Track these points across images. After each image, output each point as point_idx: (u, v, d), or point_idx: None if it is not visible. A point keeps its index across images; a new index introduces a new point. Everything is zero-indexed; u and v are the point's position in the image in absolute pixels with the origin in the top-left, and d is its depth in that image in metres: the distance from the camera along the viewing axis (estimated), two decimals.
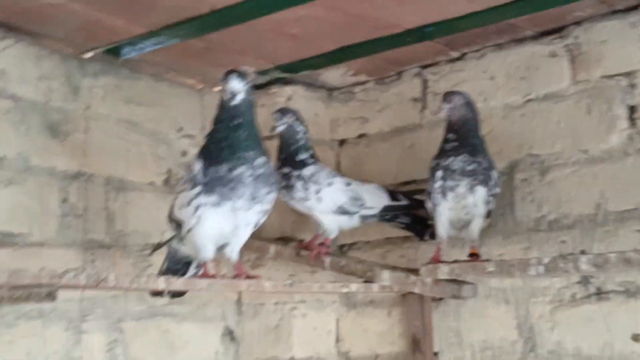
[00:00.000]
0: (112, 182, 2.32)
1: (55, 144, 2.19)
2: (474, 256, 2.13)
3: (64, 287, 1.52)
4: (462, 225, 2.15)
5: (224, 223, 1.78)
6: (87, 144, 2.26)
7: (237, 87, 1.81)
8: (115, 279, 1.56)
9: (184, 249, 1.94)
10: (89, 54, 2.29)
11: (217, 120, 1.83)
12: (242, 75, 1.82)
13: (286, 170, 2.25)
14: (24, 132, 2.12)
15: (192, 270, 2.02)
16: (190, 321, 2.47)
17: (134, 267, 2.32)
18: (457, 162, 2.08)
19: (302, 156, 2.27)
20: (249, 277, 1.84)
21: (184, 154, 2.53)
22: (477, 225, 2.13)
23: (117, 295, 2.26)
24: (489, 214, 2.15)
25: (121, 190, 2.34)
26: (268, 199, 1.82)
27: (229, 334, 2.61)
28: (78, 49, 2.26)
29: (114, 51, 2.27)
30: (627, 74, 2.12)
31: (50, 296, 1.46)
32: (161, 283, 1.65)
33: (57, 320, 2.11)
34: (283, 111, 2.29)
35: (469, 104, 2.12)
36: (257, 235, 2.59)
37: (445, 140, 2.13)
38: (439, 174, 2.09)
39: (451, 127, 2.12)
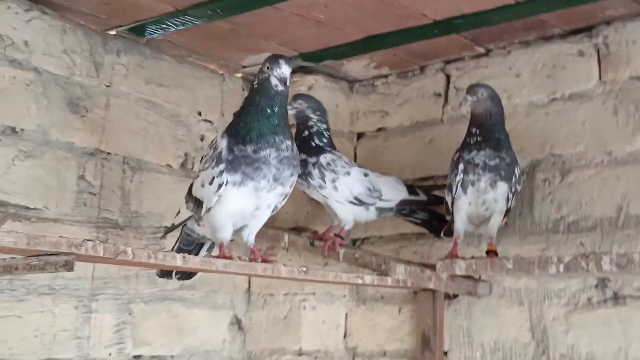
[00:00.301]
0: (129, 161, 2.30)
1: (75, 119, 2.17)
2: (491, 253, 2.10)
3: (82, 259, 1.50)
4: (480, 220, 2.13)
5: (246, 203, 1.77)
6: (106, 121, 2.24)
7: (287, 74, 1.78)
8: (133, 253, 1.54)
9: (200, 230, 1.92)
10: (114, 31, 2.28)
11: (252, 102, 1.79)
12: (290, 62, 1.80)
13: (302, 157, 2.23)
14: (45, 105, 2.10)
15: (203, 253, 2.01)
16: (199, 307, 2.45)
17: (146, 249, 2.29)
18: (479, 156, 2.05)
19: (317, 142, 2.25)
20: (265, 261, 1.81)
21: (202, 138, 2.51)
22: (496, 221, 2.10)
23: (128, 276, 2.25)
24: (508, 211, 2.13)
25: (137, 170, 2.32)
26: (290, 181, 1.81)
27: (237, 323, 2.59)
28: (103, 25, 2.25)
29: (138, 29, 2.26)
30: None
31: (68, 265, 1.44)
32: (179, 260, 1.62)
33: (67, 298, 2.09)
34: (295, 97, 2.29)
35: (494, 98, 2.09)
36: (271, 225, 2.58)
37: (469, 134, 2.10)
38: (461, 167, 2.07)
39: (475, 120, 2.10)
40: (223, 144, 1.76)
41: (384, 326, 2.50)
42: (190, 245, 2.00)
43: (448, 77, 2.52)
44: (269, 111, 1.76)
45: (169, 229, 2.07)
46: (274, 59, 1.79)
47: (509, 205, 2.10)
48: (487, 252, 2.11)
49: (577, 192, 2.18)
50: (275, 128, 1.76)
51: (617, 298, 2.07)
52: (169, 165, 2.41)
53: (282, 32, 2.30)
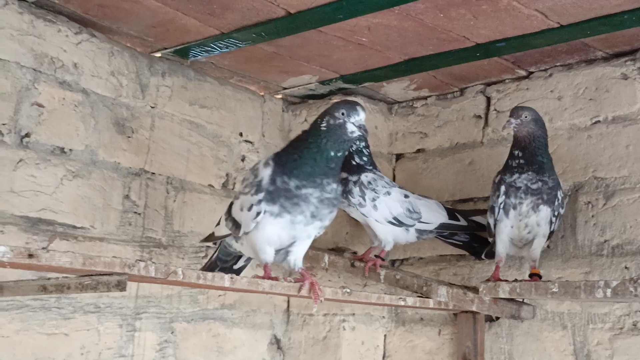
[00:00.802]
0: (172, 181, 2.33)
1: (121, 139, 2.21)
2: (534, 276, 2.08)
3: (133, 279, 1.52)
4: (523, 243, 2.11)
5: (282, 233, 1.78)
6: (151, 142, 2.28)
7: (364, 121, 1.79)
8: (183, 273, 1.56)
9: (238, 247, 1.93)
10: (159, 53, 2.32)
11: (315, 142, 1.77)
12: (363, 109, 1.81)
13: (343, 175, 2.25)
14: (93, 126, 2.15)
15: (241, 262, 2.04)
16: (239, 327, 2.47)
17: (193, 269, 2.30)
18: (521, 179, 2.04)
19: (358, 161, 2.27)
20: (313, 283, 1.81)
21: (242, 158, 2.54)
22: (539, 244, 2.09)
23: (171, 295, 2.27)
24: (551, 234, 2.11)
25: (180, 190, 2.35)
26: (329, 217, 1.82)
27: (276, 343, 2.59)
28: (149, 47, 2.29)
29: (183, 52, 2.30)
30: None
31: (120, 285, 1.46)
32: (227, 281, 1.64)
33: (112, 316, 2.12)
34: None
35: (538, 121, 2.08)
36: (311, 245, 2.59)
37: (511, 156, 2.09)
38: (502, 189, 2.06)
39: (518, 143, 2.09)
40: (267, 172, 1.76)
41: (423, 348, 2.49)
42: (229, 256, 2.02)
43: (488, 99, 2.52)
44: (332, 154, 1.76)
45: (208, 239, 2.08)
46: (352, 107, 1.78)
47: (552, 228, 2.09)
48: (531, 275, 2.10)
49: (621, 216, 2.16)
50: (328, 171, 1.76)
51: None
52: (210, 186, 2.44)
53: (323, 55, 2.32)
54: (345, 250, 2.49)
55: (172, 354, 2.25)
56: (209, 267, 2.04)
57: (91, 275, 1.49)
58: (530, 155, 2.06)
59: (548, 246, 2.26)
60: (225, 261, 2.02)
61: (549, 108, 2.36)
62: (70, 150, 2.08)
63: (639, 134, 2.17)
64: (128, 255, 2.15)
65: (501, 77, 2.46)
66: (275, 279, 1.77)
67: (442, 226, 2.31)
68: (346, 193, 2.23)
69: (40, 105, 2.03)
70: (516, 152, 2.08)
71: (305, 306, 2.58)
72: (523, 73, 2.42)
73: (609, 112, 2.25)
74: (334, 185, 1.78)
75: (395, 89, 2.61)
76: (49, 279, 1.58)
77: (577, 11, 1.94)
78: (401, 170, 2.71)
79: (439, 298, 2.15)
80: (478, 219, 2.34)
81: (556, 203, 2.05)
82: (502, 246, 2.11)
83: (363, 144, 2.29)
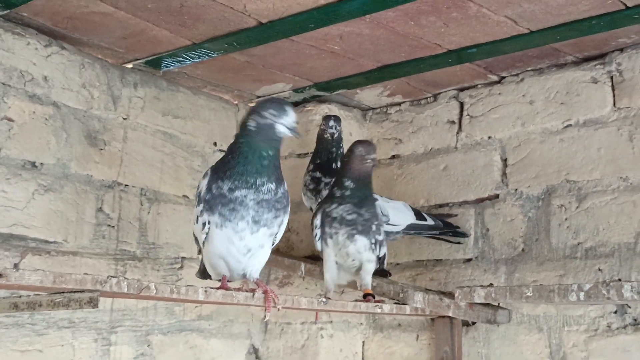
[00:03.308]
0: (146, 193, 2.32)
1: (94, 152, 2.19)
2: (368, 296, 2.08)
3: (106, 295, 1.51)
4: (353, 270, 2.10)
5: (230, 246, 1.71)
6: (123, 154, 2.27)
7: (295, 122, 1.73)
8: (156, 288, 1.54)
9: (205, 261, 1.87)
10: (130, 64, 2.30)
11: (246, 143, 1.71)
12: (292, 107, 1.77)
13: (317, 174, 2.26)
14: (64, 139, 2.13)
15: None
16: (216, 337, 2.45)
17: (164, 280, 2.30)
18: (339, 210, 2.03)
19: (338, 165, 2.28)
20: (267, 291, 1.74)
21: None
22: (367, 271, 2.08)
23: (147, 307, 2.25)
24: (382, 258, 2.12)
25: (154, 201, 2.34)
26: (277, 222, 1.74)
27: (254, 352, 2.59)
28: (120, 58, 2.28)
29: (155, 62, 2.28)
30: None
31: (92, 302, 1.44)
32: (201, 294, 1.62)
33: (86, 331, 2.10)
34: (337, 119, 2.32)
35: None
36: (287, 253, 2.59)
37: (340, 186, 2.08)
38: (317, 221, 2.06)
39: (353, 175, 2.07)
40: (204, 181, 1.72)
41: (401, 354, 2.49)
42: None
43: (462, 105, 2.53)
44: (262, 152, 1.69)
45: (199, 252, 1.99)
46: (280, 107, 1.72)
47: (377, 253, 2.08)
48: (364, 296, 2.09)
49: (594, 218, 2.18)
50: (261, 169, 1.69)
51: (637, 324, 2.06)
52: (185, 196, 2.42)
53: (296, 64, 2.32)
54: (322, 259, 2.49)
55: None
56: (205, 270, 1.93)
57: (63, 292, 1.47)
58: (359, 188, 2.06)
59: (524, 251, 2.28)
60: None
61: (521, 112, 2.38)
62: (41, 164, 2.06)
63: (610, 137, 2.19)
64: (102, 268, 2.14)
65: (474, 82, 2.47)
66: (227, 288, 1.71)
67: (409, 227, 2.32)
68: (316, 192, 2.25)
69: (10, 120, 2.00)
70: (347, 183, 2.07)
71: (282, 315, 2.57)
72: (495, 78, 2.44)
73: (580, 116, 2.27)
74: (271, 186, 1.69)
75: (369, 95, 2.62)
76: (20, 296, 1.55)
77: (546, 17, 1.96)
78: (376, 177, 2.68)
79: (415, 304, 2.15)
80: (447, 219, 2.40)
81: (373, 231, 2.05)
82: (329, 276, 2.10)
83: (341, 150, 2.31)
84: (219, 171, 1.71)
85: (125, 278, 1.49)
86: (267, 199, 1.69)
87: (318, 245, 2.09)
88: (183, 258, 2.37)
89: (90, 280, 1.43)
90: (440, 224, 2.36)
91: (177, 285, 1.59)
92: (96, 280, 1.44)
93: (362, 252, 2.05)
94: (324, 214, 2.05)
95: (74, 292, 1.45)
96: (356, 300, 2.05)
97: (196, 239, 1.81)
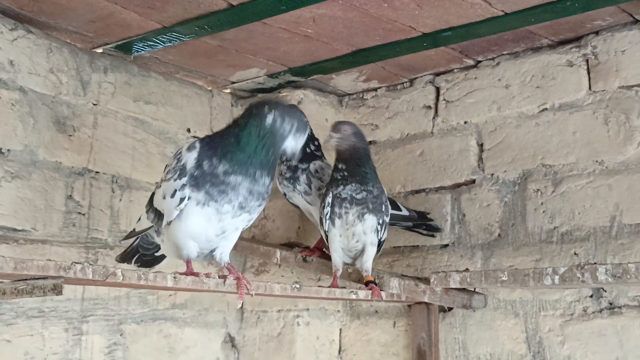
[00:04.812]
0: (117, 180, 2.28)
1: (63, 138, 2.15)
2: (370, 284, 2.09)
3: (71, 282, 1.47)
4: (354, 254, 2.11)
5: (208, 226, 1.68)
6: (94, 140, 2.22)
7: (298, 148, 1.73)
8: (123, 274, 1.51)
9: (159, 242, 1.83)
10: (100, 49, 2.26)
11: (251, 134, 1.67)
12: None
13: (293, 162, 2.23)
14: (31, 125, 2.08)
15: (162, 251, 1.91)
16: (191, 326, 2.42)
17: (137, 269, 2.26)
18: (346, 190, 2.04)
19: (312, 148, 2.25)
20: (238, 278, 1.71)
21: None
22: (369, 255, 2.10)
23: (119, 296, 2.22)
24: (380, 244, 2.13)
25: (126, 189, 2.30)
26: (258, 210, 1.73)
27: (230, 341, 2.56)
28: (89, 43, 2.23)
29: (125, 47, 2.24)
30: None
31: (56, 289, 1.41)
32: (169, 280, 1.59)
33: (57, 320, 2.06)
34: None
35: (358, 134, 2.11)
36: (262, 241, 2.56)
37: (335, 169, 2.09)
38: (328, 200, 2.06)
39: (340, 156, 2.09)
40: (191, 155, 1.66)
41: (378, 341, 2.48)
42: (151, 244, 1.91)
43: (438, 90, 2.51)
44: (274, 149, 1.68)
45: (129, 236, 1.97)
46: (303, 127, 1.72)
47: (379, 236, 2.10)
48: (366, 283, 2.09)
49: (570, 202, 2.17)
50: (266, 164, 1.67)
51: (612, 308, 2.06)
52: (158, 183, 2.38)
53: (270, 48, 2.28)
54: (298, 246, 2.46)
55: (122, 357, 2.20)
56: (130, 254, 1.95)
57: (26, 279, 1.44)
58: (353, 167, 2.07)
59: (500, 235, 2.27)
60: (147, 249, 1.92)
61: (497, 97, 2.36)
62: (8, 150, 2.02)
63: (585, 121, 2.18)
64: (73, 257, 2.10)
65: (449, 66, 2.45)
66: (197, 274, 1.67)
67: None
68: (293, 179, 2.22)
69: None
70: (340, 165, 2.08)
71: (259, 303, 2.55)
72: (471, 62, 2.42)
73: (555, 100, 2.26)
74: (267, 180, 1.69)
75: (344, 80, 2.59)
76: None
77: None
78: None
79: (391, 290, 2.14)
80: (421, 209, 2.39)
81: (382, 210, 2.07)
82: (337, 256, 2.11)
83: (311, 132, 2.29)
84: (214, 148, 1.66)
85: (91, 264, 1.46)
86: (260, 190, 1.68)
87: (326, 225, 2.07)
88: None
89: (54, 267, 1.40)
90: (415, 215, 2.36)
91: (145, 271, 1.56)
92: (59, 266, 1.41)
93: (367, 233, 2.06)
94: (334, 196, 2.05)
95: (37, 278, 1.42)
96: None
97: (157, 216, 1.74)
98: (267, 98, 1.77)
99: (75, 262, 1.43)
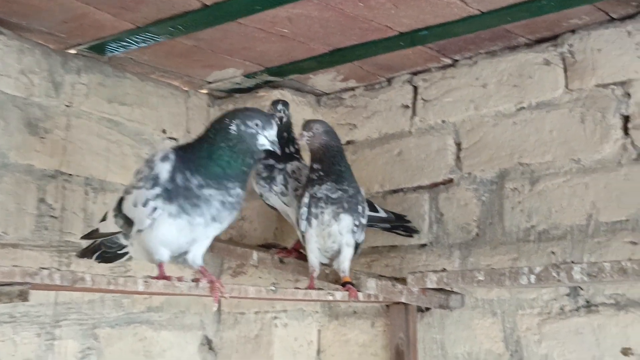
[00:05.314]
0: (91, 182, 2.25)
1: (35, 141, 2.12)
2: (347, 284, 2.07)
3: (38, 288, 1.45)
4: (331, 254, 2.10)
5: (179, 235, 1.67)
6: (67, 142, 2.19)
7: (274, 139, 1.72)
8: (92, 279, 1.49)
9: (127, 246, 1.80)
10: (73, 50, 2.23)
11: (229, 146, 1.67)
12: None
13: (270, 162, 2.21)
14: (2, 127, 2.05)
15: (126, 250, 1.87)
16: (167, 329, 2.40)
17: (111, 271, 2.23)
18: (322, 190, 2.02)
19: (291, 149, 2.24)
20: (213, 281, 1.70)
21: None
22: (346, 256, 2.07)
23: (93, 300, 2.19)
24: (357, 246, 2.11)
25: (100, 191, 2.27)
26: (229, 220, 1.72)
27: (208, 343, 2.54)
28: (62, 44, 2.20)
29: (99, 48, 2.21)
30: (622, 83, 2.09)
31: (22, 296, 1.39)
32: (140, 285, 1.57)
33: (28, 325, 2.03)
34: (285, 103, 2.27)
35: (329, 132, 2.09)
36: (240, 242, 2.54)
37: (311, 170, 2.08)
38: (305, 201, 2.04)
39: (314, 155, 2.08)
40: (165, 166, 1.65)
41: (356, 341, 2.47)
42: (115, 244, 1.87)
43: (415, 89, 2.50)
44: (247, 160, 1.68)
45: (90, 235, 1.92)
46: (267, 120, 1.71)
47: (356, 238, 2.08)
48: (343, 284, 2.08)
49: (547, 201, 2.17)
50: (240, 175, 1.68)
51: (589, 306, 2.06)
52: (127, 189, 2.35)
53: (246, 48, 2.26)
54: (275, 247, 2.45)
55: None
56: (91, 250, 1.91)
57: None
58: (328, 166, 2.05)
59: (477, 235, 2.27)
60: (110, 247, 1.88)
61: (474, 96, 2.36)
62: None
63: (562, 119, 2.18)
64: (45, 261, 2.07)
65: (427, 66, 2.44)
66: (168, 278, 1.65)
67: None
68: (270, 179, 2.20)
69: None
70: (315, 165, 2.06)
71: (236, 305, 2.53)
72: (448, 61, 2.41)
73: (532, 98, 2.25)
74: (239, 190, 1.68)
75: (322, 80, 2.57)
76: None
77: None
78: None
79: (368, 291, 2.12)
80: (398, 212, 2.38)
81: (359, 211, 2.05)
82: (314, 256, 2.08)
83: (293, 134, 2.27)
84: (188, 162, 1.65)
85: (58, 269, 1.44)
86: (232, 201, 1.67)
87: (303, 225, 2.05)
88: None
89: (19, 273, 1.37)
90: (392, 217, 2.34)
91: (115, 276, 1.54)
92: (25, 272, 1.38)
93: (343, 233, 2.04)
94: (311, 195, 2.03)
95: (3, 285, 1.39)
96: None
97: (126, 223, 1.72)
98: (226, 111, 1.75)
99: (42, 268, 1.40)
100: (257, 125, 1.69)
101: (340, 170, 2.05)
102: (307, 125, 2.08)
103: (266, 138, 1.70)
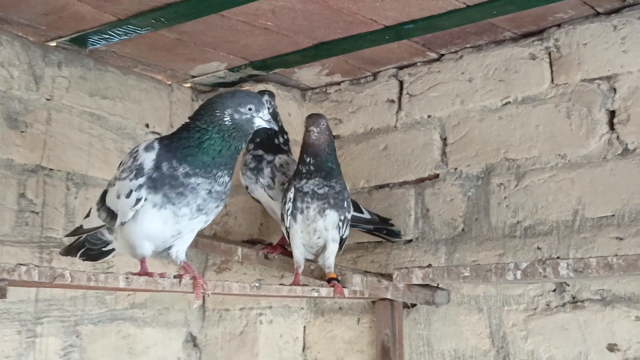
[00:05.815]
0: (73, 177, 2.22)
1: (14, 135, 2.08)
2: (333, 281, 2.06)
3: (16, 284, 1.42)
4: (316, 250, 2.08)
5: (164, 228, 1.63)
6: (47, 136, 2.16)
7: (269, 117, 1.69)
8: (72, 276, 1.46)
9: (111, 240, 1.77)
10: (54, 42, 2.19)
11: (220, 132, 1.62)
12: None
13: (259, 152, 2.19)
14: None
15: (112, 245, 1.84)
16: (151, 326, 2.37)
17: (94, 267, 2.20)
18: (309, 184, 2.01)
19: (281, 141, 2.23)
20: (194, 278, 1.68)
21: None
22: (331, 252, 2.07)
23: (75, 296, 2.16)
24: (342, 241, 2.10)
25: (82, 186, 2.24)
26: (215, 212, 1.69)
27: (192, 340, 2.51)
28: (42, 36, 2.16)
29: (80, 40, 2.18)
30: (608, 78, 2.08)
31: (0, 292, 1.36)
32: (121, 281, 1.54)
33: (9, 322, 2.00)
34: (271, 94, 2.25)
35: (328, 128, 2.09)
36: (224, 238, 2.52)
37: (302, 162, 2.05)
38: (290, 196, 2.02)
39: (312, 150, 2.05)
40: (150, 156, 1.61)
41: (342, 337, 2.45)
42: (99, 241, 1.85)
43: (401, 83, 2.49)
44: (237, 146, 1.64)
45: (75, 232, 1.89)
46: (260, 102, 1.67)
47: (341, 234, 2.07)
48: (329, 280, 2.07)
49: (533, 197, 2.16)
50: (230, 161, 1.64)
51: (575, 302, 2.06)
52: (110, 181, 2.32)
53: (229, 41, 2.24)
54: (260, 242, 2.42)
55: (79, 359, 2.14)
56: (75, 248, 1.88)
57: None
58: (321, 161, 2.04)
59: (463, 230, 2.25)
60: (94, 244, 1.86)
61: (460, 90, 2.34)
62: None
63: (548, 114, 2.17)
64: (26, 257, 2.04)
65: (413, 60, 2.43)
66: (151, 274, 1.63)
67: None
68: (257, 171, 2.18)
69: None
70: (308, 159, 2.04)
71: (220, 301, 2.50)
72: (434, 56, 2.39)
73: (518, 93, 2.24)
74: (226, 178, 1.65)
75: (307, 74, 2.55)
76: None
77: None
78: None
79: (354, 287, 2.11)
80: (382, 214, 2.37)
81: (344, 207, 2.04)
82: (299, 252, 2.08)
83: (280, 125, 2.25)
84: (174, 150, 1.61)
85: (37, 266, 1.41)
86: (219, 190, 1.64)
87: (287, 220, 2.03)
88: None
89: None
90: (376, 219, 2.34)
91: (95, 272, 1.51)
92: (3, 268, 1.35)
93: (329, 229, 2.02)
94: (296, 190, 2.01)
95: None
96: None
97: (109, 216, 1.69)
98: (213, 98, 1.69)
99: (20, 264, 1.38)
100: (250, 109, 1.65)
101: (331, 167, 2.04)
102: (315, 120, 2.04)
103: (261, 119, 1.68)
